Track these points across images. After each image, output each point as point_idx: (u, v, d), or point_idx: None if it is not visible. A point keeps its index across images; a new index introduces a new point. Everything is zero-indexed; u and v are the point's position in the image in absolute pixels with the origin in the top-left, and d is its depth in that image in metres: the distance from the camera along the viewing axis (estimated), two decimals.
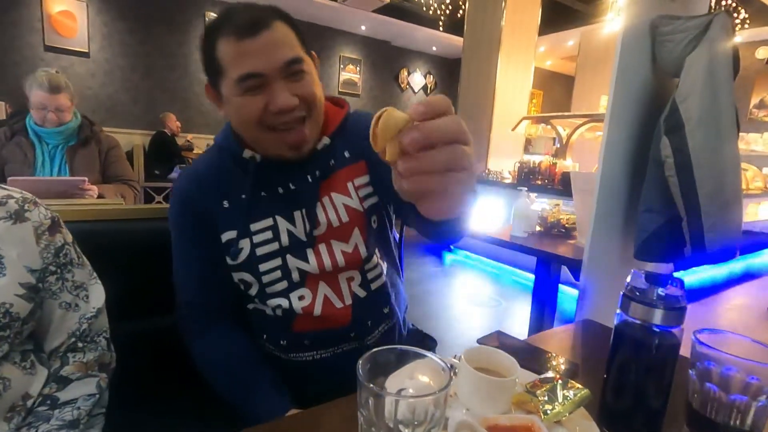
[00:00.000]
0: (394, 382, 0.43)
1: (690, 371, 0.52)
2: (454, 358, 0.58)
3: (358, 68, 8.00)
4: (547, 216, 1.94)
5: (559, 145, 4.40)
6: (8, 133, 1.84)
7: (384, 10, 6.70)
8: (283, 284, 0.78)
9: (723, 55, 1.17)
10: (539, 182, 3.59)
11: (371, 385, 0.38)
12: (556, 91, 9.61)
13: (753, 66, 6.78)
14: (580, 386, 0.52)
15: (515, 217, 1.85)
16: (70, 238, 0.69)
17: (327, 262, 0.78)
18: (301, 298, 0.79)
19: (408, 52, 8.71)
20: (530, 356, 0.69)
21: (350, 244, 0.80)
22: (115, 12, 5.78)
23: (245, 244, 0.77)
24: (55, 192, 1.61)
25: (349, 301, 0.81)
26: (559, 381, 0.52)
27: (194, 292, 0.81)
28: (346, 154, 0.83)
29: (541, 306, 1.87)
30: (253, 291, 0.80)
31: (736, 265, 4.66)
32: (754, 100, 7.28)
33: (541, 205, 2.03)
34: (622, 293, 0.53)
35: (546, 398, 0.50)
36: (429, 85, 9.11)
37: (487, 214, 2.13)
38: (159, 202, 5.31)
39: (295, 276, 0.78)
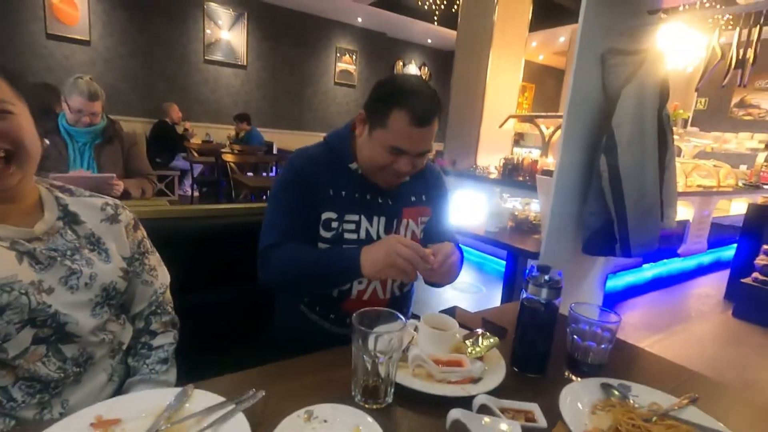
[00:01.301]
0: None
1: (567, 329, 0.81)
2: (416, 320, 0.86)
3: (354, 59, 8.16)
4: (517, 213, 2.22)
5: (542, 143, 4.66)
6: (40, 131, 2.07)
7: (380, 3, 6.82)
8: None
9: (651, 88, 1.43)
10: (521, 179, 3.86)
11: (362, 328, 0.66)
12: (548, 83, 9.81)
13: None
14: (494, 337, 0.80)
15: (489, 214, 2.13)
16: (145, 233, 0.95)
17: None
18: (360, 282, 1.05)
19: (403, 44, 8.86)
20: (471, 322, 0.98)
21: None
22: (115, 0, 5.89)
23: (336, 225, 1.03)
24: (90, 186, 1.84)
25: (389, 296, 1.10)
26: (480, 334, 0.81)
27: (277, 236, 1.00)
28: (423, 198, 1.15)
29: (509, 291, 2.17)
30: None
31: (705, 258, 4.98)
32: (735, 99, 7.60)
33: (513, 203, 2.31)
34: (525, 278, 0.81)
35: (471, 344, 0.79)
36: (424, 77, 9.29)
37: (472, 209, 2.41)
38: (162, 190, 5.52)
39: None
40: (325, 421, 0.61)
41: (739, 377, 2.52)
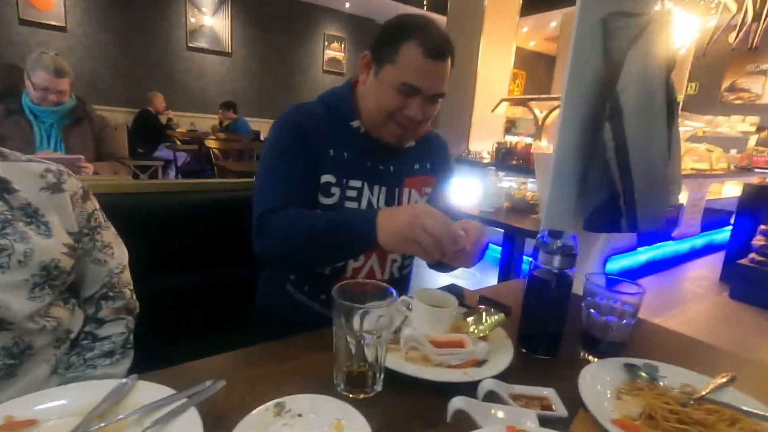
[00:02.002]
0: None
1: (582, 303, 0.71)
2: (410, 298, 0.75)
3: (342, 46, 7.97)
4: (514, 193, 2.12)
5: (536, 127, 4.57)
6: (4, 111, 1.92)
7: None
8: None
9: (657, 51, 1.33)
10: (515, 162, 3.77)
11: (345, 302, 0.55)
12: (539, 71, 9.72)
13: (725, 50, 7.01)
14: (499, 313, 0.70)
15: (484, 194, 2.02)
16: (97, 204, 0.82)
17: None
18: (356, 259, 0.93)
19: None
20: (479, 301, 0.87)
21: None
22: None
23: (336, 192, 0.90)
24: None
25: (387, 277, 0.98)
26: (484, 310, 0.70)
27: (278, 200, 0.86)
28: (428, 166, 1.04)
29: (506, 273, 2.08)
30: None
31: (698, 240, 4.96)
32: (726, 84, 7.57)
33: (509, 183, 2.21)
34: (533, 246, 0.70)
35: (473, 322, 0.68)
36: None
37: (465, 193, 2.31)
38: (147, 180, 5.33)
39: None
40: (300, 414, 0.50)
41: (725, 348, 2.46)
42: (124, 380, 0.51)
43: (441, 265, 0.96)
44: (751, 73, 7.31)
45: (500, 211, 2.05)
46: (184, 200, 1.14)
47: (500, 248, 2.16)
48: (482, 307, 0.72)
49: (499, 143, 4.10)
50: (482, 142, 5.09)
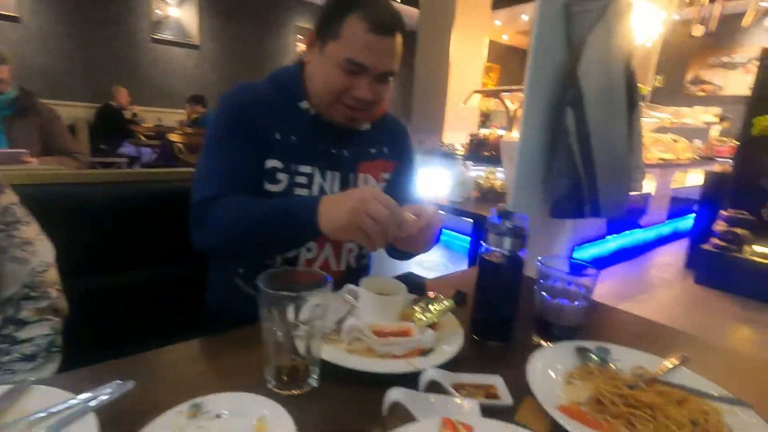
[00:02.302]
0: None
1: (535, 287, 0.68)
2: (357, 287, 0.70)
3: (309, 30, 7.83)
4: (482, 182, 2.10)
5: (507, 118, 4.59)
6: None
7: None
8: None
9: (617, 36, 1.33)
10: (487, 154, 3.77)
11: (271, 290, 0.50)
12: (513, 64, 9.79)
13: (688, 44, 7.23)
14: (448, 300, 0.66)
15: (453, 183, 2.00)
16: (15, 198, 0.75)
17: None
18: (308, 249, 0.88)
19: None
20: (426, 288, 0.83)
21: None
22: None
23: (284, 178, 0.84)
24: None
25: (343, 268, 0.93)
26: (433, 297, 0.66)
27: (221, 186, 0.80)
28: (385, 150, 0.98)
29: (475, 262, 2.06)
30: None
31: (665, 228, 5.11)
32: (689, 76, 7.80)
33: (477, 172, 2.19)
34: (484, 228, 0.67)
35: (421, 310, 0.64)
36: None
37: (438, 185, 2.28)
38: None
39: None
40: (218, 415, 0.45)
41: (703, 340, 2.54)
42: (13, 385, 0.45)
43: (398, 252, 0.93)
44: (714, 66, 7.56)
45: (469, 200, 2.03)
46: (125, 192, 1.06)
47: (469, 238, 2.15)
48: (431, 294, 0.69)
49: (472, 135, 4.10)
50: (457, 134, 5.09)
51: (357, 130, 0.94)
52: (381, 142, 0.98)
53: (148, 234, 1.04)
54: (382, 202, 0.64)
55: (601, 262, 3.86)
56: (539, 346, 0.67)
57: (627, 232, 4.29)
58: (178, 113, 6.37)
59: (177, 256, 1.05)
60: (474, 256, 2.03)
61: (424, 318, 0.63)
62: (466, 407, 0.47)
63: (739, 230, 3.17)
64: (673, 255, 4.30)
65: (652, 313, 2.89)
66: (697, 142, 6.12)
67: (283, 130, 0.86)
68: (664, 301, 3.15)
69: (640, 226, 4.47)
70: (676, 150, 5.08)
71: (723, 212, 3.35)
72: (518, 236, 0.64)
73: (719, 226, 3.29)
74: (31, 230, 0.77)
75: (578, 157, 1.36)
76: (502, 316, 0.67)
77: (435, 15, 5.30)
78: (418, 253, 0.88)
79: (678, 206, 5.17)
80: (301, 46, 7.61)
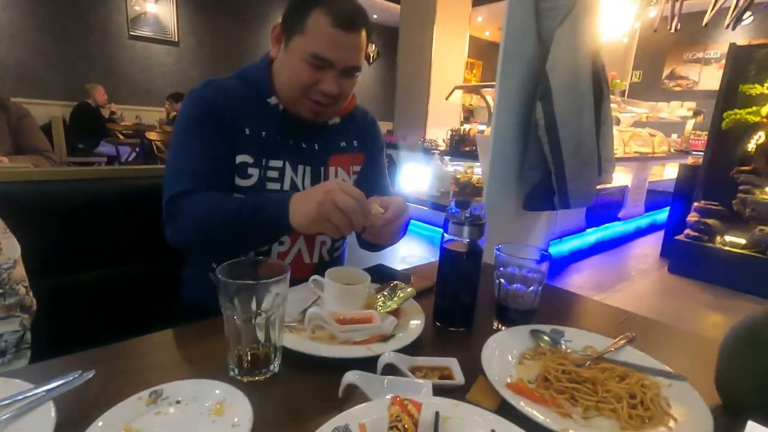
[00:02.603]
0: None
1: (494, 273, 0.71)
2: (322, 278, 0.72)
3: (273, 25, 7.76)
4: (460, 177, 2.13)
5: (488, 114, 4.65)
6: None
7: None
8: None
9: (583, 31, 1.36)
10: (467, 149, 3.81)
11: (229, 280, 0.51)
12: (495, 60, 9.84)
13: (665, 39, 7.39)
14: (409, 287, 0.68)
15: (431, 178, 2.03)
16: None
17: None
18: (281, 243, 0.89)
19: None
20: (395, 278, 0.85)
21: None
22: None
23: (255, 173, 0.85)
24: None
25: (316, 260, 0.94)
26: (395, 285, 0.69)
27: (192, 182, 0.81)
28: (355, 143, 1.00)
29: None
30: None
31: (643, 221, 5.23)
32: (666, 72, 7.99)
33: (455, 167, 2.22)
34: (444, 218, 0.69)
35: (383, 298, 0.67)
36: (372, 54, 9.03)
37: (418, 178, 2.31)
38: None
39: None
40: (178, 401, 0.47)
41: (676, 327, 2.62)
42: None
43: (368, 244, 0.95)
44: (689, 61, 7.75)
45: (447, 194, 2.06)
46: (96, 188, 1.06)
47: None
48: (394, 282, 0.71)
49: (453, 131, 4.14)
50: (439, 130, 5.13)
51: (326, 124, 0.96)
52: (351, 135, 1.00)
53: (121, 230, 1.04)
54: (347, 192, 0.66)
55: (582, 255, 3.95)
56: (498, 330, 0.69)
57: (606, 225, 4.39)
58: (158, 111, 6.27)
59: (151, 252, 1.05)
60: None
61: (385, 306, 0.65)
62: (419, 388, 0.50)
63: (710, 221, 3.28)
64: (650, 246, 4.42)
65: (627, 302, 2.97)
66: (675, 137, 6.29)
67: (252, 125, 0.87)
68: (640, 290, 3.24)
69: (618, 219, 4.58)
70: (654, 144, 5.21)
71: (696, 204, 3.45)
72: (476, 225, 0.67)
73: (692, 217, 3.39)
74: None
75: (548, 150, 1.40)
76: (462, 302, 0.70)
77: (417, 11, 5.32)
78: (387, 245, 0.90)
79: (656, 199, 5.29)
80: None
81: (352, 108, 1.01)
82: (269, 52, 0.95)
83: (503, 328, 0.70)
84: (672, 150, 5.61)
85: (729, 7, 3.00)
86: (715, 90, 7.40)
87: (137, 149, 4.88)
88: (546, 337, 0.63)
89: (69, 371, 0.48)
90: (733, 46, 3.29)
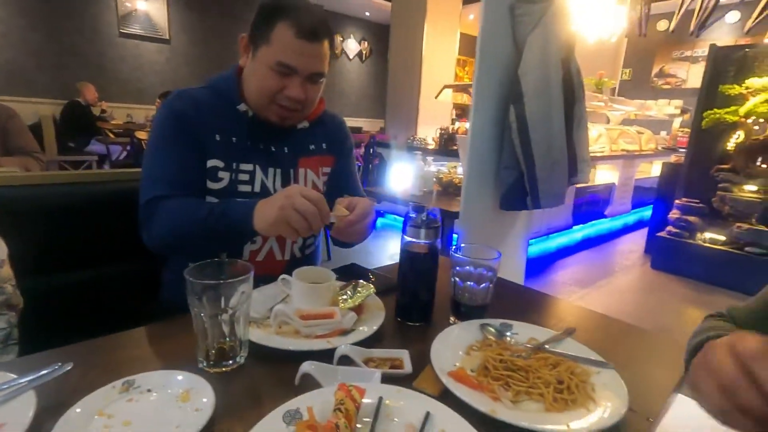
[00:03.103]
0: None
1: (451, 271, 0.76)
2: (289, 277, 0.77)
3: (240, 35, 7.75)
4: (442, 177, 2.19)
5: None
6: None
7: None
8: None
9: (554, 37, 1.42)
10: (455, 148, 3.87)
11: (195, 280, 0.56)
12: None
13: (654, 38, 7.48)
14: (369, 285, 0.74)
15: (414, 177, 2.08)
16: None
17: None
18: (253, 241, 0.94)
19: (341, 18, 8.56)
20: (362, 276, 0.91)
21: None
22: None
23: (225, 176, 0.91)
24: None
25: (287, 257, 0.99)
26: (356, 284, 0.74)
27: (165, 187, 0.86)
28: (324, 146, 1.05)
29: None
30: None
31: (630, 218, 5.31)
32: (655, 70, 8.08)
33: (437, 167, 2.27)
34: (403, 221, 0.75)
35: (345, 295, 0.72)
36: (364, 52, 9.06)
37: (403, 177, 2.35)
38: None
39: None
40: (149, 390, 0.52)
41: (655, 321, 2.71)
42: None
43: (339, 242, 1.01)
44: (677, 59, 7.85)
45: (429, 194, 2.11)
46: (78, 192, 1.10)
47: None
48: (357, 281, 0.76)
49: (442, 129, 4.19)
50: (430, 128, 5.16)
51: (295, 128, 1.01)
52: (320, 138, 1.05)
53: (103, 233, 1.09)
54: (306, 196, 0.72)
55: (568, 251, 4.03)
56: (453, 324, 0.75)
57: (593, 222, 4.47)
58: (149, 109, 6.27)
59: (132, 253, 1.10)
60: None
61: (347, 302, 0.70)
62: (368, 377, 0.55)
63: (691, 218, 3.36)
64: (635, 243, 4.50)
65: (609, 297, 3.05)
66: (664, 134, 6.37)
67: (222, 131, 0.92)
68: (623, 285, 3.32)
69: (605, 216, 4.66)
70: (641, 141, 5.29)
71: (677, 201, 3.53)
72: (432, 227, 0.72)
73: (674, 214, 3.47)
74: None
75: (520, 152, 1.45)
76: (421, 299, 0.75)
77: (408, 8, 5.34)
78: (355, 243, 0.96)
79: (643, 196, 5.38)
80: None
81: (320, 113, 1.06)
82: (238, 62, 1.00)
83: (458, 322, 0.75)
84: (659, 147, 5.69)
85: (697, 12, 3.08)
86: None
87: (128, 148, 4.89)
88: (492, 330, 0.69)
89: (51, 364, 0.53)
90: (713, 46, 3.37)
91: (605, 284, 3.30)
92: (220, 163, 0.90)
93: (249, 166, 0.93)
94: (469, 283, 0.73)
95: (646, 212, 5.54)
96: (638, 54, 7.85)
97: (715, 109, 3.15)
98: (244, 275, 0.58)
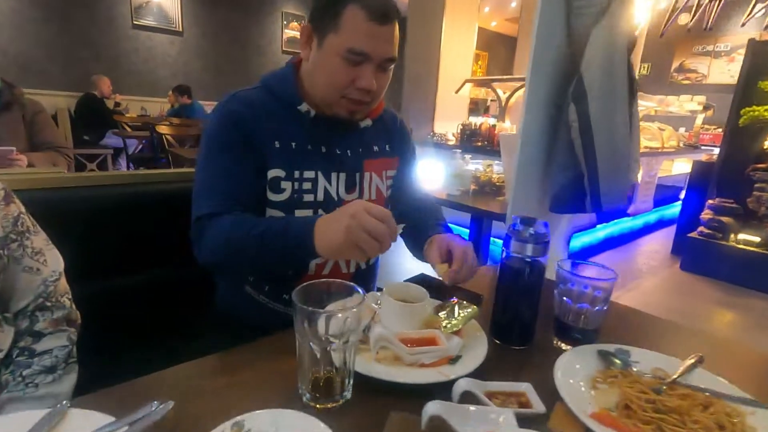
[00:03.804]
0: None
1: (555, 291, 0.69)
2: (378, 292, 0.71)
3: (302, 26, 7.66)
4: (480, 176, 2.11)
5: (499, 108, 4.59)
6: None
7: None
8: None
9: (621, 29, 1.33)
10: (479, 144, 3.78)
11: (304, 306, 0.50)
12: (500, 52, 9.77)
13: (675, 32, 7.30)
14: (471, 306, 0.67)
15: (451, 176, 2.00)
16: (23, 208, 0.73)
17: None
18: None
19: None
20: (443, 291, 0.84)
21: None
22: None
23: (287, 186, 0.83)
24: None
25: (353, 270, 0.92)
26: (456, 303, 0.67)
27: (219, 203, 0.79)
28: (387, 148, 0.97)
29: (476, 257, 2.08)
30: None
31: (651, 216, 5.21)
32: (675, 65, 7.90)
33: (475, 165, 2.20)
34: (505, 233, 0.67)
35: (446, 316, 0.65)
36: None
37: (431, 174, 2.28)
38: (92, 170, 4.99)
39: None
40: None
41: (692, 327, 2.63)
42: (50, 409, 0.44)
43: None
44: (698, 54, 7.66)
45: (467, 194, 2.04)
46: (128, 193, 1.04)
47: (467, 231, 2.16)
48: (454, 300, 0.69)
49: (464, 125, 4.10)
50: (447, 123, 5.07)
51: (358, 129, 0.93)
52: (382, 138, 0.98)
53: (150, 236, 1.02)
54: (375, 215, 0.64)
55: (591, 251, 3.94)
56: (560, 349, 0.68)
57: (615, 220, 4.38)
58: (163, 102, 6.21)
59: (181, 258, 1.04)
60: (473, 246, 2.05)
61: (449, 325, 0.63)
62: (502, 418, 0.48)
63: (725, 218, 3.26)
64: (660, 242, 4.41)
65: (640, 300, 2.97)
66: (683, 131, 6.24)
67: (282, 137, 0.84)
68: (652, 287, 3.24)
69: (627, 215, 4.56)
70: (663, 138, 5.17)
71: (710, 201, 3.43)
72: (540, 243, 0.65)
73: (706, 214, 3.37)
74: (40, 239, 0.75)
75: (581, 153, 1.37)
76: (524, 320, 0.68)
77: (425, 1, 5.23)
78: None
79: (665, 194, 5.27)
80: (289, 33, 7.46)
81: (381, 110, 0.99)
82: (292, 58, 0.92)
83: (564, 346, 0.68)
84: (681, 144, 5.57)
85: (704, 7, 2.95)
86: (725, 84, 7.32)
87: (144, 141, 4.84)
88: (616, 360, 0.61)
89: (136, 397, 0.47)
90: (752, 41, 3.24)
91: (634, 286, 3.21)
92: (281, 173, 0.83)
93: (311, 173, 0.85)
94: (580, 305, 0.66)
95: (668, 211, 5.43)
96: (658, 48, 7.67)
97: (754, 106, 3.04)
98: (351, 295, 0.51)
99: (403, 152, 1.02)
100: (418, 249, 0.93)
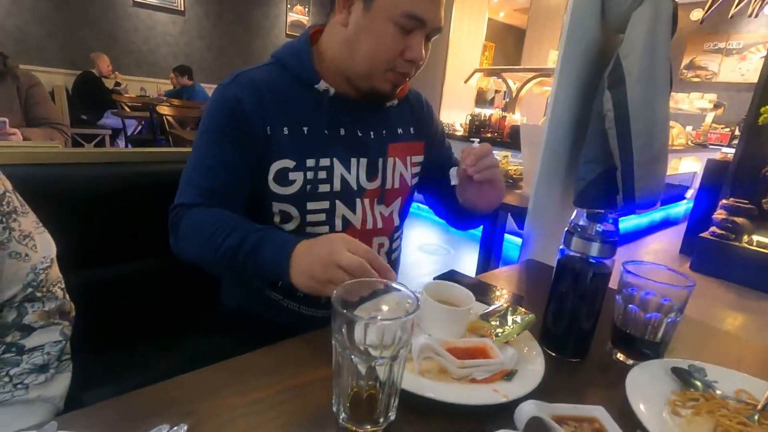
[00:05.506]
0: (363, 311, 0.46)
1: (617, 296, 0.61)
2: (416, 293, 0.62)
3: (306, 9, 7.48)
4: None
5: (508, 99, 4.49)
6: None
7: None
8: (324, 229, 0.77)
9: (664, 12, 1.23)
10: (489, 135, 3.69)
11: (345, 312, 0.41)
12: (507, 43, 9.61)
13: (686, 27, 7.15)
14: (526, 312, 0.58)
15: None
16: (9, 185, 0.64)
17: (369, 218, 0.80)
18: None
19: None
20: (481, 290, 0.76)
21: (389, 209, 0.84)
22: None
23: (298, 177, 0.74)
24: None
25: None
26: (509, 308, 0.59)
27: (194, 194, 0.73)
28: (412, 130, 0.88)
29: (487, 252, 2.00)
30: (291, 226, 0.77)
31: (657, 215, 5.14)
32: (685, 61, 7.77)
33: None
34: (565, 230, 0.59)
35: (497, 323, 0.57)
36: None
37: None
38: None
39: (338, 224, 0.78)
40: None
41: (753, 338, 2.56)
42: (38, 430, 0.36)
43: (463, 217, 0.91)
44: (709, 51, 7.53)
45: None
46: (129, 172, 0.95)
47: (481, 225, 2.07)
48: (504, 304, 0.61)
49: (473, 115, 4.00)
50: (454, 113, 4.97)
51: (383, 108, 0.83)
52: (407, 120, 0.88)
53: (154, 219, 0.92)
54: (354, 250, 0.55)
55: None
56: (621, 363, 0.60)
57: (622, 218, 4.30)
58: (163, 83, 6.06)
59: None
60: (486, 243, 1.96)
61: (503, 334, 0.55)
62: None
63: (739, 219, 3.18)
64: (668, 242, 4.34)
65: None
66: (689, 129, 6.14)
67: (292, 122, 0.74)
68: None
69: (635, 213, 4.49)
70: (672, 136, 5.08)
71: (723, 201, 3.35)
72: (608, 242, 0.56)
73: (719, 214, 3.30)
74: (29, 221, 0.66)
75: (615, 144, 1.28)
76: (582, 329, 0.60)
77: None
78: (485, 207, 0.81)
79: (670, 193, 5.20)
80: (293, 17, 7.28)
81: (407, 89, 0.89)
82: (308, 28, 0.82)
83: (623, 359, 0.60)
84: (690, 143, 5.48)
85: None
86: (735, 83, 7.21)
87: (143, 123, 4.72)
88: (696, 381, 0.53)
89: (138, 411, 0.39)
90: None
91: None
92: (290, 163, 0.73)
93: (326, 161, 0.76)
94: (649, 315, 0.57)
95: (674, 209, 5.37)
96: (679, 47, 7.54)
97: None
98: (413, 303, 0.43)
99: (429, 135, 0.93)
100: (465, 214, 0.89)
